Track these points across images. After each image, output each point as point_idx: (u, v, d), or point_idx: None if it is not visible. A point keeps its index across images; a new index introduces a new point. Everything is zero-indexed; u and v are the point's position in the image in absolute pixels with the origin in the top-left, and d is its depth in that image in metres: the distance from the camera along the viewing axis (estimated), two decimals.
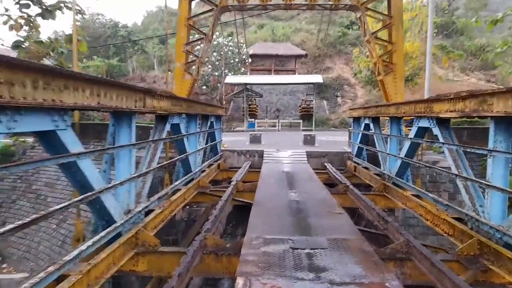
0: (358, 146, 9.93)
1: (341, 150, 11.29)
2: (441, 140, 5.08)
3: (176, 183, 6.07)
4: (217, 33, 28.36)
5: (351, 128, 11.02)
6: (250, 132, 14.58)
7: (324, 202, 5.74)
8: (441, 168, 5.32)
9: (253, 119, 25.40)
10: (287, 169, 9.40)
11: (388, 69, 10.99)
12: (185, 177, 6.74)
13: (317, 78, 24.23)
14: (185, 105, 6.14)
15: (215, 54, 28.05)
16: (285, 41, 40.36)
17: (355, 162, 10.07)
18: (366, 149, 9.73)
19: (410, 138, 6.09)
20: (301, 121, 26.07)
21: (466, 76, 36.52)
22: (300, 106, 28.55)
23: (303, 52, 36.40)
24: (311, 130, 22.12)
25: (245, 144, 13.69)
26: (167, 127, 5.35)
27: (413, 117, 6.09)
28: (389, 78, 10.90)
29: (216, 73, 28.22)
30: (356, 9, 10.96)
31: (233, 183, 7.27)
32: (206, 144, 8.81)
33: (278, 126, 24.21)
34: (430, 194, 5.36)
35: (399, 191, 6.55)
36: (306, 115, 26.08)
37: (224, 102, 27.39)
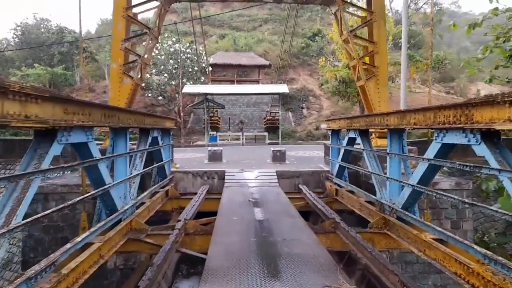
0: (340, 165, 8.16)
1: (318, 169, 9.47)
2: (492, 163, 3.31)
3: (84, 235, 3.82)
4: (173, 39, 26.15)
5: (329, 142, 9.25)
6: (209, 148, 12.45)
7: (315, 260, 3.74)
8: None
9: (215, 132, 23.45)
10: (254, 195, 7.41)
11: (370, 73, 9.40)
12: (106, 220, 4.51)
13: (283, 88, 22.65)
14: (99, 113, 3.94)
15: (171, 62, 25.67)
16: (248, 51, 38.83)
17: (336, 183, 8.28)
18: (347, 168, 8.00)
19: (429, 159, 4.31)
20: (266, 133, 24.40)
21: (427, 88, 36.85)
22: (265, 118, 27.04)
23: (267, 62, 35.00)
24: (278, 144, 20.38)
25: (204, 162, 11.54)
26: (55, 149, 3.15)
27: (432, 129, 4.34)
28: (371, 84, 9.29)
29: (173, 83, 25.82)
30: (332, 2, 9.32)
31: (178, 224, 5.09)
32: (145, 167, 6.58)
33: (242, 139, 22.22)
34: (475, 246, 3.52)
35: (412, 231, 4.72)
36: (272, 127, 24.71)
37: (182, 114, 25.04)
